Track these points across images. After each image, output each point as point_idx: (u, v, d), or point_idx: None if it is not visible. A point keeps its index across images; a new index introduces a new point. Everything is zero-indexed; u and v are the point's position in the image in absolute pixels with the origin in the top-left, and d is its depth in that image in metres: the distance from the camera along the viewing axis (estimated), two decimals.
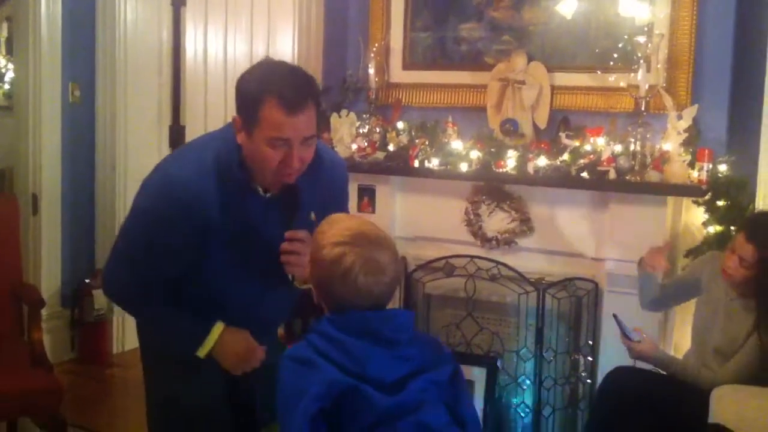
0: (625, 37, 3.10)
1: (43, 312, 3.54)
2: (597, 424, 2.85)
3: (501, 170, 3.22)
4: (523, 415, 3.39)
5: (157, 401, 2.23)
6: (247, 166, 1.95)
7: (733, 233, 2.83)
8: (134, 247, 2.01)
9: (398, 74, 3.62)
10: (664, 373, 2.77)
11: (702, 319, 2.81)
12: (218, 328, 2.03)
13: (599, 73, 3.20)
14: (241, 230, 1.98)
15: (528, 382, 3.37)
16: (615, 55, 3.13)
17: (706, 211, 3.02)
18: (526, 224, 3.33)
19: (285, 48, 4.79)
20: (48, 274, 4.19)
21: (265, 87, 1.87)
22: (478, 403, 3.29)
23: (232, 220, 1.96)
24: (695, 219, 3.09)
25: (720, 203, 2.98)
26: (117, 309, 4.07)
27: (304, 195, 2.00)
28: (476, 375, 3.32)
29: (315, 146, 1.97)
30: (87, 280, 4.28)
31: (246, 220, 1.98)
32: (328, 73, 3.81)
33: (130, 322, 3.38)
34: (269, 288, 2.08)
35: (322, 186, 2.07)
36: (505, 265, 3.32)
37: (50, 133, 4.14)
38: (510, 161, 3.20)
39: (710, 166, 2.98)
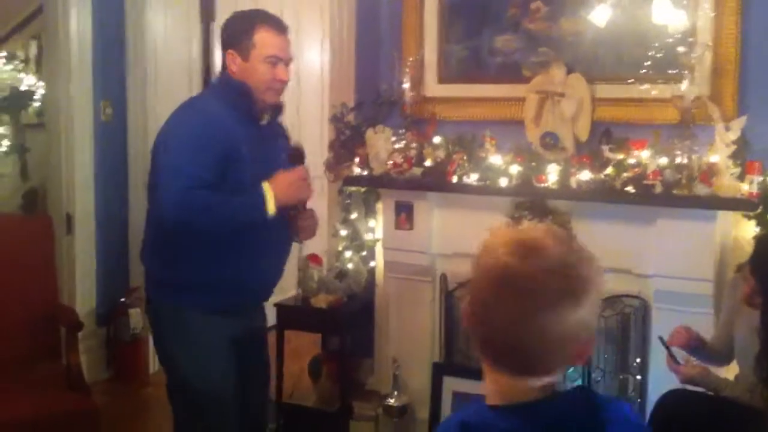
0: (668, 42, 3.00)
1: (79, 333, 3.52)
2: None
3: (542, 185, 3.13)
4: None
5: (177, 387, 2.49)
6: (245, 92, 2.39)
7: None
8: (182, 159, 2.26)
9: (433, 88, 3.54)
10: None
11: (743, 339, 2.72)
12: (265, 185, 2.33)
13: (641, 84, 3.10)
14: (252, 153, 2.35)
15: None
16: (656, 66, 3.03)
17: (758, 224, 2.92)
18: None
19: (314, 62, 4.74)
20: (82, 293, 4.18)
21: (253, 19, 2.43)
22: None
23: (247, 143, 2.34)
24: (745, 233, 2.98)
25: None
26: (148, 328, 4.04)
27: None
28: None
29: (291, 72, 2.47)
30: (122, 299, 4.26)
31: (254, 143, 2.36)
32: (361, 88, 3.75)
33: None
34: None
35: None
36: None
37: (83, 152, 4.13)
38: (551, 175, 3.12)
39: (761, 178, 2.88)
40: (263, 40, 2.39)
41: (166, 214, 2.27)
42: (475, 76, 3.48)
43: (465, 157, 3.31)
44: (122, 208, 4.35)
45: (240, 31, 2.41)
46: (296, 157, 2.47)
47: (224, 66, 2.46)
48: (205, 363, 2.43)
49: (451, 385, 3.39)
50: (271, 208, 2.32)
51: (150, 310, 2.56)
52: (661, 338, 2.75)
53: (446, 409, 3.37)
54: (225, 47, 2.46)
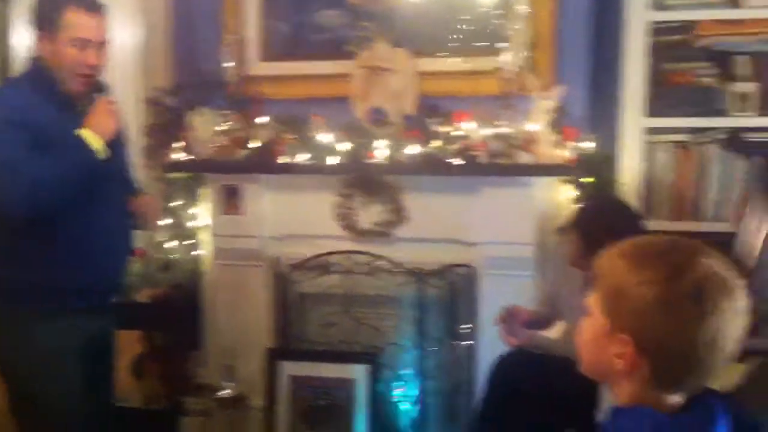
0: (488, 15, 3.11)
1: None
2: (491, 411, 2.85)
3: (372, 161, 3.15)
4: (407, 407, 3.35)
5: (19, 397, 2.37)
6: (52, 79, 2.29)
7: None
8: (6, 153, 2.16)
9: (257, 66, 3.45)
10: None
11: (569, 299, 2.86)
12: (81, 131, 2.28)
13: (463, 57, 3.20)
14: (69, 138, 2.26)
15: (410, 374, 3.34)
16: (477, 38, 3.15)
17: (576, 188, 3.09)
18: (400, 214, 3.28)
19: (125, 41, 4.48)
20: None
21: None
22: (362, 401, 3.23)
23: (59, 128, 2.25)
24: (565, 197, 3.15)
25: (587, 180, 3.06)
26: None
27: None
28: (358, 372, 3.26)
29: (106, 55, 2.37)
30: None
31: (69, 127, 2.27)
32: (180, 69, 3.61)
33: None
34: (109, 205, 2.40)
35: None
36: (381, 257, 3.26)
37: None
38: (381, 151, 3.14)
39: (577, 144, 3.05)
40: (71, 20, 2.27)
41: (22, 209, 2.18)
42: (300, 54, 3.43)
43: (293, 137, 3.27)
44: None
45: (48, 11, 2.29)
46: (98, 88, 2.41)
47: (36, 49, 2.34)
48: (47, 369, 2.30)
49: (288, 369, 3.35)
50: (96, 144, 2.28)
51: None
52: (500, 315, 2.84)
53: (282, 394, 3.32)
54: (34, 29, 2.34)
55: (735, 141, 3.12)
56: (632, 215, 2.66)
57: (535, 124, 3.02)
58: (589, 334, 1.35)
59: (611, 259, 1.30)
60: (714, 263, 1.24)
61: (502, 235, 3.12)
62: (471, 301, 3.27)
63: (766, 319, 2.43)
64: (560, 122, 3.08)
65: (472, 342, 3.27)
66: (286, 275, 3.44)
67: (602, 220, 2.60)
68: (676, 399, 1.29)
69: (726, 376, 2.54)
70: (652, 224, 3.01)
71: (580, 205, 2.91)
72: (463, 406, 3.32)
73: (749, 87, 3.07)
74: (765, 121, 3.06)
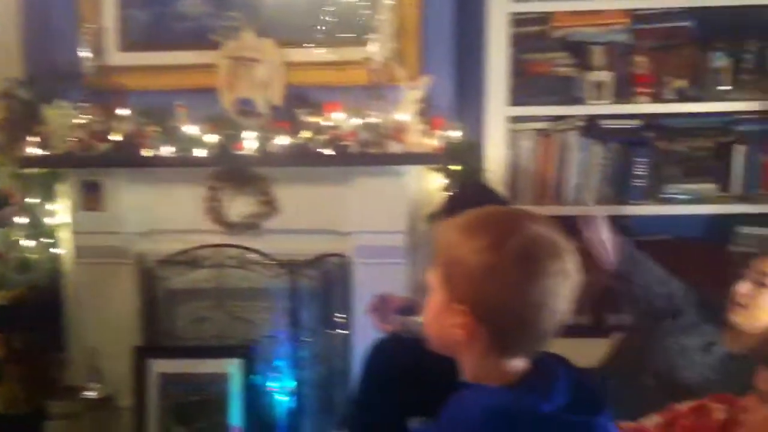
0: (355, 5, 3.12)
1: None
2: (366, 397, 2.87)
3: (241, 153, 3.10)
4: (282, 399, 3.34)
5: None
6: None
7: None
8: None
9: (116, 57, 3.31)
10: None
11: None
12: None
13: (330, 47, 3.19)
14: None
15: (285, 365, 3.33)
16: (344, 28, 3.15)
17: (444, 176, 3.15)
18: (270, 206, 3.24)
19: None
20: None
21: None
22: (236, 395, 3.20)
23: None
24: (434, 184, 3.20)
25: (455, 168, 3.12)
26: None
27: None
28: (231, 366, 3.22)
29: None
30: None
31: None
32: (34, 62, 3.42)
33: None
34: None
35: None
36: (253, 249, 3.22)
37: None
38: (249, 142, 3.09)
39: (445, 133, 3.11)
40: None
41: None
42: (162, 43, 3.31)
43: (157, 129, 3.17)
44: None
45: None
46: None
47: None
48: None
49: (158, 367, 3.27)
50: None
51: None
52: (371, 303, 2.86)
53: (153, 392, 3.25)
54: None
55: (592, 128, 3.27)
56: (499, 201, 2.73)
57: (404, 114, 3.05)
58: (431, 310, 1.36)
59: (446, 232, 1.34)
60: (541, 228, 1.28)
61: (374, 224, 3.14)
62: (345, 290, 3.28)
63: (627, 296, 2.55)
64: (428, 112, 3.12)
65: (347, 331, 3.29)
66: (152, 271, 3.35)
67: (470, 206, 2.65)
68: (519, 364, 1.31)
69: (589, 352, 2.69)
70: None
71: (449, 193, 2.98)
72: (339, 395, 3.33)
73: (604, 76, 3.21)
74: (619, 108, 3.22)
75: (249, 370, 3.24)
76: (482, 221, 1.32)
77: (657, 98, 3.21)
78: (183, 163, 3.13)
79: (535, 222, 1.29)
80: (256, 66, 3.17)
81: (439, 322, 1.34)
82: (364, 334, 3.01)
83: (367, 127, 3.05)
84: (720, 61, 3.19)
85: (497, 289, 1.25)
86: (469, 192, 2.86)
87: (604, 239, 2.54)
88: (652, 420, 2.21)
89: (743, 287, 2.35)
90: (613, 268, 2.52)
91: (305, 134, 3.08)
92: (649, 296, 2.51)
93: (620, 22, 3.22)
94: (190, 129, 3.13)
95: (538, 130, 3.29)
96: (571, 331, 3.20)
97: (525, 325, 1.27)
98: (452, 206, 2.74)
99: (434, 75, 3.12)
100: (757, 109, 3.17)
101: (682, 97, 3.20)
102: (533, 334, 1.28)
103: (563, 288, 1.27)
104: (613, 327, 3.04)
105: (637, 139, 3.27)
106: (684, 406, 2.19)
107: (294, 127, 3.10)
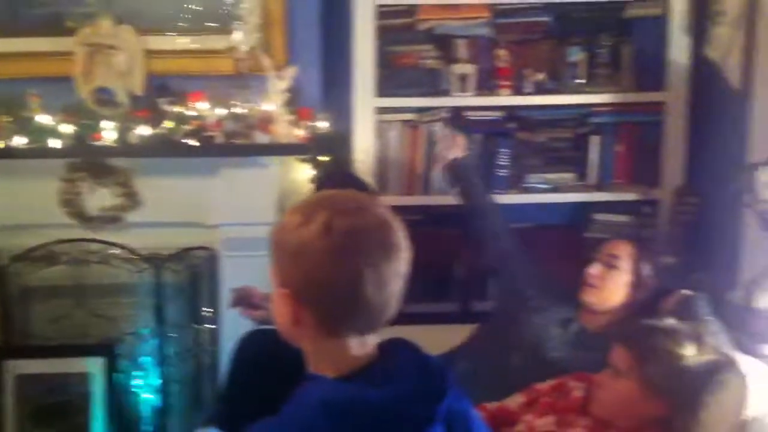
0: None
1: None
2: (235, 390, 2.82)
3: (99, 143, 2.98)
4: (148, 397, 3.25)
5: None
6: None
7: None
8: None
9: None
10: None
11: None
12: None
13: (194, 35, 3.11)
14: None
15: (151, 362, 3.24)
16: (207, 17, 3.07)
17: (313, 167, 3.13)
18: (132, 199, 3.13)
19: None
20: None
21: None
22: (99, 395, 3.09)
23: None
24: (302, 175, 3.18)
25: (324, 158, 3.11)
26: None
27: None
28: (93, 366, 3.11)
29: None
30: None
31: None
32: None
33: None
34: None
35: None
36: (114, 244, 3.11)
37: None
38: (108, 133, 2.98)
39: (312, 123, 3.09)
40: None
41: None
42: (12, 29, 3.11)
43: (8, 119, 3.01)
44: None
45: None
46: None
47: None
48: None
49: (14, 368, 3.13)
50: None
51: None
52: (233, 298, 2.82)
53: (9, 394, 3.11)
54: None
55: (457, 119, 3.33)
56: (368, 191, 2.74)
57: (270, 104, 3.02)
58: (273, 298, 1.34)
59: (281, 218, 1.33)
60: (370, 211, 1.28)
61: (241, 216, 3.09)
62: (212, 284, 3.23)
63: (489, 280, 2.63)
64: (295, 102, 3.10)
65: (214, 326, 3.23)
66: (5, 268, 3.18)
67: None
68: (356, 348, 1.29)
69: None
70: (387, 199, 3.15)
71: (318, 183, 2.96)
72: (207, 391, 3.27)
73: (468, 68, 3.27)
74: (482, 100, 3.29)
75: (112, 368, 3.14)
76: (311, 204, 1.30)
77: (517, 91, 3.30)
78: (37, 154, 2.98)
79: (359, 205, 1.29)
80: (115, 54, 3.05)
81: (277, 309, 1.32)
82: (233, 328, 2.96)
83: (233, 117, 3.00)
84: (576, 55, 3.31)
85: (313, 269, 1.23)
86: (335, 180, 2.86)
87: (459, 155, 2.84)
88: (516, 400, 2.28)
89: (594, 269, 2.46)
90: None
91: (168, 124, 2.99)
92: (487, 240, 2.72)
93: (482, 16, 3.28)
94: (44, 118, 2.99)
95: (406, 122, 3.32)
96: (439, 317, 3.31)
97: (347, 304, 1.25)
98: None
99: (301, 65, 3.10)
100: (610, 101, 3.31)
101: (541, 89, 3.31)
102: (359, 313, 1.26)
103: (389, 264, 1.25)
104: (479, 313, 3.12)
105: (499, 131, 3.35)
106: (545, 385, 2.28)
107: (156, 117, 3.01)
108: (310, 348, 1.31)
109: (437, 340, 2.79)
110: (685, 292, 2.37)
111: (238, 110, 3.01)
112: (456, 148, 2.93)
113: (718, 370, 2.08)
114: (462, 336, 2.79)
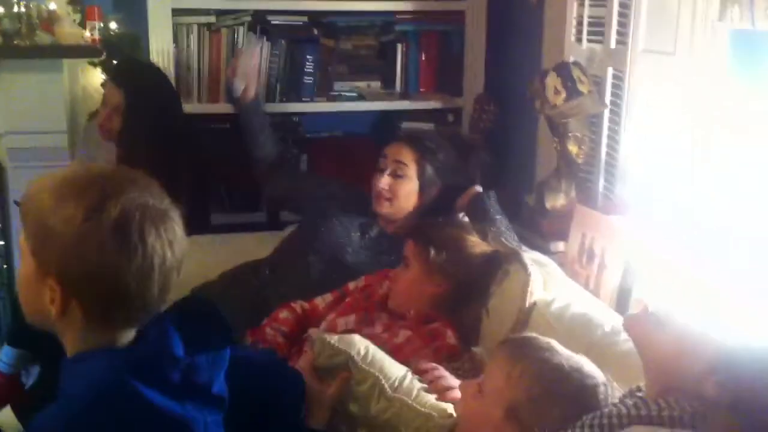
0: None
1: None
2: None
3: None
4: None
5: None
6: None
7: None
8: None
9: None
10: None
11: None
12: None
13: None
14: None
15: None
16: None
17: (103, 71, 2.96)
18: None
19: None
20: None
21: None
22: None
23: None
24: (93, 80, 3.02)
25: (115, 62, 2.94)
26: None
27: None
28: None
29: None
30: None
31: None
32: None
33: None
34: None
35: None
36: None
37: None
38: None
39: (101, 24, 2.91)
40: None
41: None
42: None
43: None
44: None
45: None
46: None
47: None
48: None
49: None
50: None
51: None
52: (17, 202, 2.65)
53: None
54: None
55: (260, 24, 3.22)
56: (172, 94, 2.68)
57: (54, 3, 2.81)
58: (22, 278, 1.23)
59: (37, 193, 1.19)
60: (143, 194, 1.19)
61: (28, 124, 2.89)
62: (2, 198, 3.02)
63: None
64: (82, 1, 2.90)
65: (2, 242, 3.04)
66: None
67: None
68: (128, 335, 1.25)
69: None
70: (190, 107, 3.04)
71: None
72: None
73: None
74: (284, 3, 3.21)
75: None
76: (78, 185, 1.18)
77: None
78: None
79: (138, 187, 1.20)
80: None
81: (31, 293, 1.21)
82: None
83: (12, 16, 2.77)
84: None
85: (89, 261, 1.15)
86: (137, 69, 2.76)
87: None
88: (325, 299, 2.32)
89: (383, 182, 2.46)
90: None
91: None
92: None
93: None
94: None
95: (205, 25, 3.17)
96: (249, 227, 3.24)
97: (121, 296, 1.18)
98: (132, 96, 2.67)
99: None
100: (412, 9, 3.31)
101: None
102: (134, 304, 1.20)
103: (165, 255, 1.19)
104: (288, 222, 3.09)
105: (305, 37, 3.28)
106: (351, 285, 2.32)
107: None
108: (72, 337, 1.24)
109: (247, 248, 2.78)
110: (477, 188, 2.44)
111: (17, 9, 2.78)
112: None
113: (502, 262, 2.18)
114: (271, 245, 2.76)
